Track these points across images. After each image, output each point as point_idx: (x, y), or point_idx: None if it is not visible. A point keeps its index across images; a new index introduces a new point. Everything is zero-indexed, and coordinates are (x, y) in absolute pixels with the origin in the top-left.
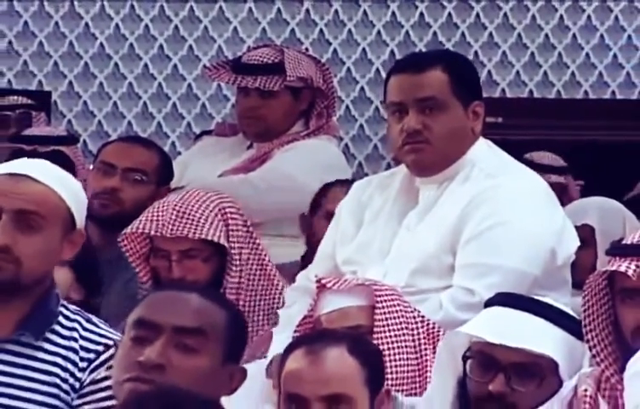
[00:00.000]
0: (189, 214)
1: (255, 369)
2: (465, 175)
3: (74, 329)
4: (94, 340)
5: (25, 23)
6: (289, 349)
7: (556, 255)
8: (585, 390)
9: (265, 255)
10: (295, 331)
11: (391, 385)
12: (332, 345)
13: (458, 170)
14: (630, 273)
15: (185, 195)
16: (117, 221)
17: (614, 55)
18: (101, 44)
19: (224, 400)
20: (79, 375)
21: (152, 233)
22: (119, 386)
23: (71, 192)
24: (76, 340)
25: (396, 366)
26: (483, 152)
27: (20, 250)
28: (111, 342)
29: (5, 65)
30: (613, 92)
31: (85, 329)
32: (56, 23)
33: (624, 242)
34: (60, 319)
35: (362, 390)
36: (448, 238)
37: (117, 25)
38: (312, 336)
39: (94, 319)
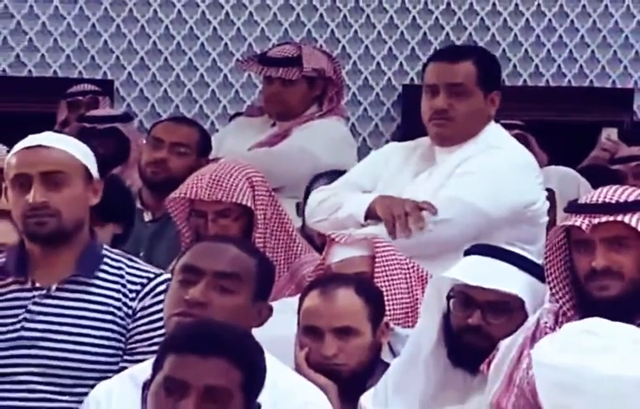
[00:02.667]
0: (222, 181)
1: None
2: (472, 144)
3: (120, 267)
4: (138, 274)
5: (93, 25)
6: (306, 291)
7: (522, 211)
8: (546, 323)
9: (285, 214)
10: (310, 277)
11: (389, 319)
12: (342, 286)
13: (470, 143)
14: (583, 227)
15: (219, 166)
16: (165, 185)
17: (570, 51)
18: (154, 42)
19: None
20: (130, 303)
21: (193, 196)
22: (168, 320)
23: (81, 151)
24: (122, 276)
25: (392, 304)
26: (492, 131)
27: (57, 204)
28: (152, 275)
29: (77, 59)
30: (569, 81)
31: (130, 266)
32: (117, 25)
33: (578, 202)
34: (106, 260)
35: (366, 323)
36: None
37: (166, 26)
38: (325, 279)
39: (135, 258)
